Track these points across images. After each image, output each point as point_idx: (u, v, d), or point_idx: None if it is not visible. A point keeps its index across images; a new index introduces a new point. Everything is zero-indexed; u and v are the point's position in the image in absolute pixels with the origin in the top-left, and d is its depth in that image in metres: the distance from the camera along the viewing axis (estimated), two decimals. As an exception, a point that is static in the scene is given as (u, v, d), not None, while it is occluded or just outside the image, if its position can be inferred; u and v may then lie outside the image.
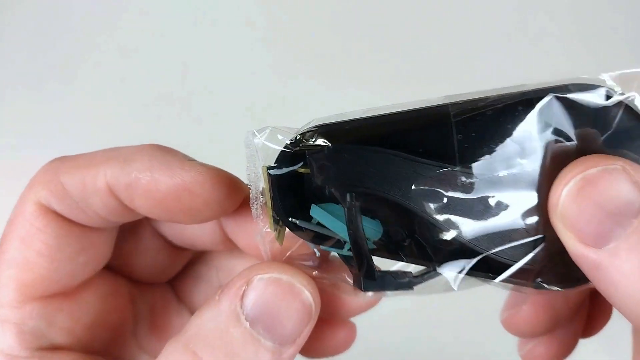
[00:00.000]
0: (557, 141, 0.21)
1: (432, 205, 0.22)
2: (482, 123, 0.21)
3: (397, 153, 0.21)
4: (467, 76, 0.57)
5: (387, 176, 0.21)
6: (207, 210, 0.23)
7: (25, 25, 0.59)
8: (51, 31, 0.59)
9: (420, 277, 0.23)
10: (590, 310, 0.28)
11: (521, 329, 0.27)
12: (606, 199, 0.18)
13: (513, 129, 0.21)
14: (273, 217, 0.22)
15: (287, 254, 0.24)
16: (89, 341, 0.24)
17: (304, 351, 0.27)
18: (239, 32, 0.61)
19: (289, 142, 0.21)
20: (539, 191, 0.21)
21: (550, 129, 0.21)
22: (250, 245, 0.25)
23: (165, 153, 0.23)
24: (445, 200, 0.22)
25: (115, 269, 0.27)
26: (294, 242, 0.24)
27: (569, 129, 0.21)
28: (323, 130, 0.21)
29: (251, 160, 0.22)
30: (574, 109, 0.21)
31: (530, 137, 0.21)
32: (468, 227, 0.22)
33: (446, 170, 0.21)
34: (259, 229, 0.23)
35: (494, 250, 0.22)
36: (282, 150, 0.21)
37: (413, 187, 0.21)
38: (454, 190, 0.21)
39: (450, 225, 0.22)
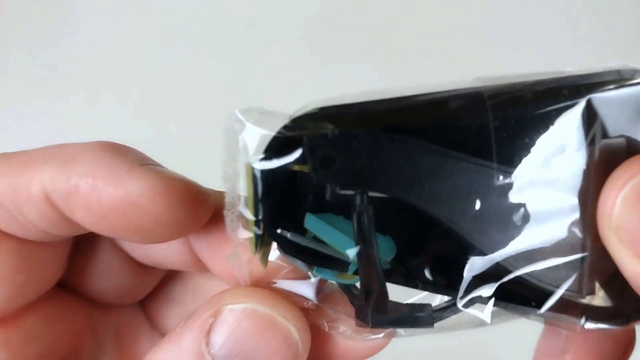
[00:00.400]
0: (605, 136, 0.18)
1: (462, 213, 0.17)
2: (522, 108, 0.17)
3: (422, 143, 0.16)
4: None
5: (407, 173, 0.16)
6: (160, 230, 0.19)
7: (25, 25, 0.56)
8: (50, 31, 0.56)
9: (443, 311, 0.18)
10: None
11: None
12: None
13: (557, 117, 0.17)
14: (255, 229, 0.17)
15: (271, 279, 0.19)
16: None
17: None
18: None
19: (282, 127, 0.16)
20: (585, 197, 0.17)
21: (599, 122, 0.17)
22: (224, 269, 0.20)
23: (114, 154, 0.18)
24: (478, 205, 0.17)
25: (70, 288, 0.23)
26: (280, 265, 0.19)
27: (622, 123, 0.17)
28: (326, 112, 0.16)
29: (230, 153, 0.17)
30: (627, 100, 0.17)
31: (575, 129, 0.17)
32: (504, 242, 0.17)
33: (483, 166, 0.17)
34: (234, 246, 0.18)
35: (529, 269, 0.18)
36: (274, 137, 0.16)
37: (440, 188, 0.17)
38: (489, 193, 0.17)
39: (484, 239, 0.17)
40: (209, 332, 0.17)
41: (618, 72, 0.18)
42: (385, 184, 0.16)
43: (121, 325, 0.25)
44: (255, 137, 0.16)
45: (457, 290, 0.18)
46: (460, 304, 0.18)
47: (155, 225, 0.18)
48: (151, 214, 0.18)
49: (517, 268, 0.18)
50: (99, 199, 0.18)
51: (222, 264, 0.20)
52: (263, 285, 0.19)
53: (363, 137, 0.16)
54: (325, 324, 0.19)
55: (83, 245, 0.23)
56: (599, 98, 0.17)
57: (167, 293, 0.25)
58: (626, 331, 0.22)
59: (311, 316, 0.19)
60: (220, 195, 0.20)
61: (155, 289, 0.26)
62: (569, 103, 0.17)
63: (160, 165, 0.19)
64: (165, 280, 0.25)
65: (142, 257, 0.23)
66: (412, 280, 0.18)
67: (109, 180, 0.18)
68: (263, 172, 0.16)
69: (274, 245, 0.18)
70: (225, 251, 0.20)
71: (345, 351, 0.20)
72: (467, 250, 0.17)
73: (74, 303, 0.23)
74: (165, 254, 0.22)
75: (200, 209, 0.19)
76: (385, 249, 0.17)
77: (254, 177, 0.16)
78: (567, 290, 0.18)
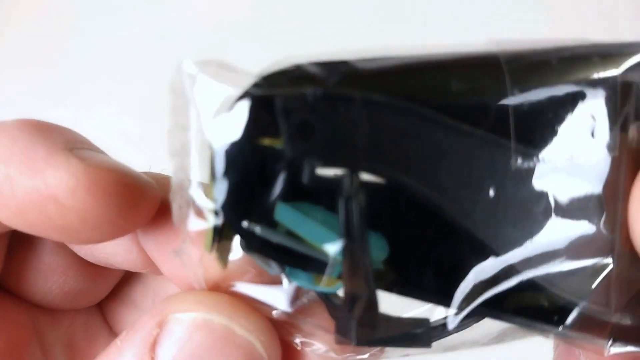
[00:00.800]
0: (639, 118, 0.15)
1: (471, 202, 0.14)
2: (545, 76, 0.14)
3: (425, 112, 0.13)
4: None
5: (406, 150, 0.13)
6: (89, 230, 0.16)
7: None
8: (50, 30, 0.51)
9: (443, 327, 0.15)
10: None
11: None
12: None
13: (587, 90, 0.14)
14: (212, 219, 0.13)
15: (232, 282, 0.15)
16: None
17: None
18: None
19: (249, 86, 0.13)
20: (615, 190, 0.14)
21: (634, 101, 0.15)
22: (177, 271, 0.17)
23: (35, 135, 0.15)
24: (491, 194, 0.14)
25: (10, 292, 0.20)
26: (243, 266, 0.15)
27: None
28: (306, 70, 0.13)
29: (178, 117, 0.13)
30: None
31: (607, 107, 0.14)
32: (521, 241, 0.14)
33: (498, 145, 0.13)
34: (182, 240, 0.14)
35: (547, 273, 0.15)
36: (239, 96, 0.12)
37: (446, 170, 0.13)
38: (505, 178, 0.14)
39: (497, 235, 0.14)
40: (154, 346, 0.15)
41: None
42: (378, 162, 0.13)
43: (75, 331, 0.22)
44: (213, 96, 0.12)
45: (461, 301, 0.14)
46: (460, 317, 0.14)
47: (82, 225, 0.15)
48: (74, 210, 0.15)
49: (533, 273, 0.15)
50: (12, 190, 0.15)
51: (173, 265, 0.17)
52: (222, 289, 0.15)
53: (352, 102, 0.13)
54: (298, 341, 0.15)
55: (21, 243, 0.20)
56: (637, 70, 0.14)
57: (126, 295, 0.23)
58: None
59: (281, 330, 0.15)
60: (159, 192, 0.16)
61: (114, 290, 0.23)
62: (601, 75, 0.14)
63: (95, 149, 0.16)
64: (124, 282, 0.23)
65: (89, 256, 0.20)
66: (408, 288, 0.15)
67: (23, 168, 0.15)
68: (224, 142, 0.13)
69: (236, 241, 0.15)
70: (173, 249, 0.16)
71: None
72: (476, 250, 0.14)
73: (14, 308, 0.20)
74: (113, 253, 0.19)
75: (140, 204, 0.16)
76: (375, 249, 0.14)
77: (212, 149, 0.13)
78: (592, 303, 0.15)
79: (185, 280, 0.16)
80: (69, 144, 0.15)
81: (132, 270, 0.20)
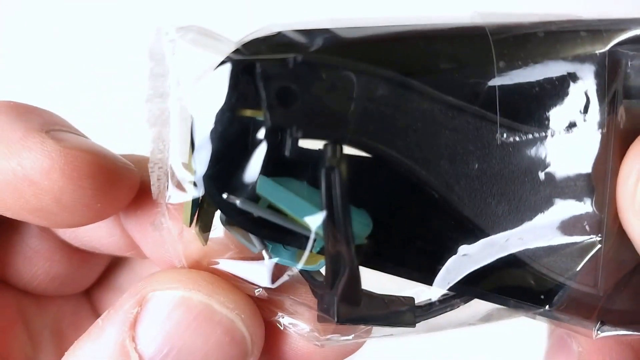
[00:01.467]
0: (628, 96, 0.14)
1: (456, 176, 0.13)
2: (532, 49, 0.14)
3: (409, 81, 0.13)
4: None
5: (391, 120, 0.13)
6: (66, 213, 0.16)
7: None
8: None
9: (429, 307, 0.14)
10: None
11: None
12: None
13: (573, 64, 0.14)
14: (191, 190, 0.13)
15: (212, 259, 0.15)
16: None
17: None
18: None
19: (230, 52, 0.12)
20: (603, 168, 0.14)
21: (622, 77, 0.14)
22: (159, 253, 0.17)
23: (11, 117, 0.15)
24: (476, 167, 0.13)
25: None
26: (224, 243, 0.15)
27: None
28: (287, 37, 0.13)
29: (157, 84, 0.13)
30: None
31: (595, 81, 0.14)
32: (507, 217, 0.14)
33: (483, 118, 0.13)
34: (161, 213, 0.14)
35: (535, 249, 0.14)
36: (226, 58, 0.12)
37: (431, 143, 0.13)
38: (489, 153, 0.14)
39: (482, 211, 0.14)
40: (134, 325, 0.15)
41: None
42: (362, 133, 0.13)
43: (62, 318, 0.22)
44: (192, 61, 0.12)
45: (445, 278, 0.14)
46: (445, 295, 0.14)
47: (58, 207, 0.15)
48: (50, 192, 0.15)
49: (519, 250, 0.14)
50: None
51: (155, 247, 0.17)
52: (202, 267, 0.15)
53: (335, 69, 0.12)
54: (281, 321, 0.15)
55: (5, 228, 0.20)
56: (625, 47, 0.14)
57: (113, 281, 0.23)
58: None
59: (264, 309, 0.15)
60: (137, 174, 0.16)
61: (101, 277, 0.23)
62: (588, 49, 0.14)
63: (73, 131, 0.16)
64: (111, 268, 0.23)
65: (73, 240, 0.20)
66: (391, 264, 0.14)
67: (1, 150, 0.15)
68: (204, 110, 0.12)
69: (216, 216, 0.14)
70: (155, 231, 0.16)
71: (306, 356, 0.16)
72: (460, 226, 0.14)
73: (0, 293, 0.20)
74: (97, 236, 0.19)
75: (118, 187, 0.16)
76: (359, 224, 0.14)
77: (192, 118, 0.12)
78: (580, 282, 0.15)
79: (166, 260, 0.16)
80: (45, 125, 0.15)
81: (117, 253, 0.20)
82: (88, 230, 0.19)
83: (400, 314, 0.14)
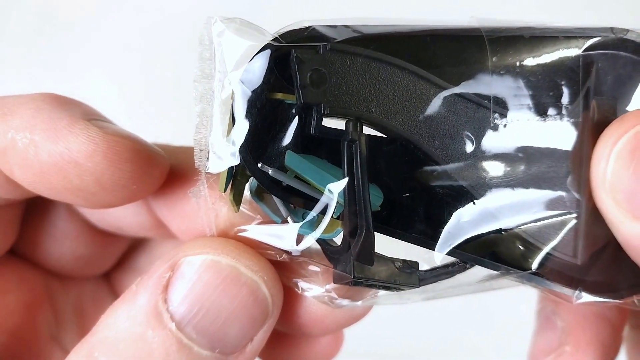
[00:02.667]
0: (598, 94, 0.17)
1: (454, 152, 0.16)
2: (519, 48, 0.16)
3: (418, 70, 0.15)
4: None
5: (400, 102, 0.15)
6: (105, 193, 0.17)
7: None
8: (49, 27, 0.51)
9: (432, 271, 0.17)
10: None
11: None
12: None
13: (553, 62, 0.16)
14: (232, 160, 0.15)
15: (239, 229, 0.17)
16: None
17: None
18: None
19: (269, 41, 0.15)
20: (580, 152, 0.17)
21: (594, 76, 0.17)
22: (186, 229, 0.18)
23: (56, 107, 0.17)
24: (471, 144, 0.16)
25: (24, 257, 0.22)
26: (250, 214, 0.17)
27: (615, 82, 0.17)
28: (317, 31, 0.15)
29: (204, 66, 0.15)
30: (624, 59, 0.17)
31: (571, 78, 0.17)
32: (497, 191, 0.16)
33: (479, 104, 0.16)
34: (200, 182, 0.15)
35: (522, 221, 0.17)
36: (265, 45, 0.14)
37: (434, 122, 0.15)
38: (483, 132, 0.16)
39: (476, 183, 0.16)
40: (166, 288, 0.16)
41: (611, 29, 0.17)
42: (377, 112, 0.15)
43: (84, 299, 0.23)
44: (236, 48, 0.14)
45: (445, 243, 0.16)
46: (442, 254, 0.16)
47: (97, 188, 0.17)
48: (92, 174, 0.17)
49: (509, 220, 0.17)
50: (36, 155, 0.17)
51: (183, 223, 0.19)
52: (230, 235, 0.17)
53: (355, 55, 0.15)
54: (299, 284, 0.17)
55: (37, 210, 0.21)
56: (596, 50, 0.17)
57: (133, 264, 0.24)
58: (621, 315, 0.21)
59: (282, 275, 0.17)
60: (179, 152, 0.18)
61: (121, 260, 0.24)
62: (566, 51, 0.17)
63: (108, 121, 0.18)
64: (131, 251, 0.24)
65: (100, 221, 0.21)
66: (399, 231, 0.16)
67: (47, 135, 0.17)
68: (245, 90, 0.14)
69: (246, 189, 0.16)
70: (185, 210, 0.18)
71: (319, 318, 0.18)
72: (459, 197, 0.16)
73: (29, 274, 0.22)
74: (123, 216, 0.21)
75: (151, 171, 0.17)
76: (372, 196, 0.16)
77: (233, 95, 0.14)
78: (561, 252, 0.17)
79: (194, 232, 0.18)
80: (86, 115, 0.17)
81: (140, 234, 0.22)
82: (117, 211, 0.20)
83: (406, 274, 0.16)
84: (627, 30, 0.18)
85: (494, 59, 0.16)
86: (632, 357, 0.22)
